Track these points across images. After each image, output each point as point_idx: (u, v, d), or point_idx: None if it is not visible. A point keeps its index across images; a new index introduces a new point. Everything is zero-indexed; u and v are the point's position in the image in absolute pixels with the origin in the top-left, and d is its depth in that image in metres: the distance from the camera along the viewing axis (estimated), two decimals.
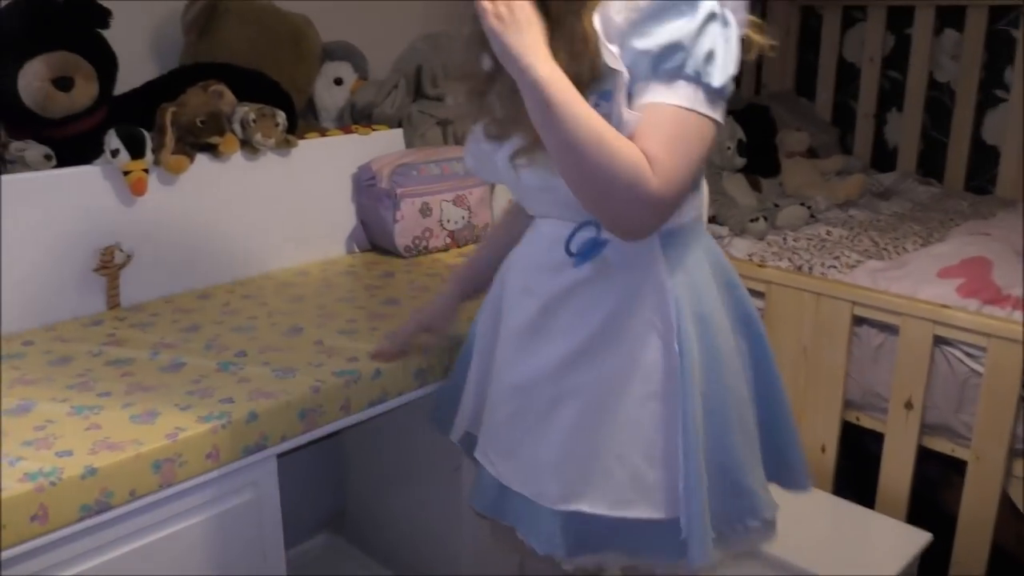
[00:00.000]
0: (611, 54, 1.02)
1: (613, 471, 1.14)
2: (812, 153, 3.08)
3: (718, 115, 1.03)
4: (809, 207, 2.56)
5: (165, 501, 1.19)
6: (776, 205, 2.58)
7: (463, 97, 1.20)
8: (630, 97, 1.02)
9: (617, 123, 1.01)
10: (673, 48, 0.99)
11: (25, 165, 1.53)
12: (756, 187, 2.75)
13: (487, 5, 1.01)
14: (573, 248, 1.12)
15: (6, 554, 1.04)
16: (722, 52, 1.02)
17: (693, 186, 1.12)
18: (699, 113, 1.01)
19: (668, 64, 0.99)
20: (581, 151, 0.98)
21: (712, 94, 1.01)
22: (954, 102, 3.03)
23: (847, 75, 3.31)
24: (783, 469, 1.29)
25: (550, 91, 0.98)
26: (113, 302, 1.64)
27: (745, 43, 1.08)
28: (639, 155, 0.98)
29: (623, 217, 1.03)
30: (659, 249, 1.12)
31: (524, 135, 1.09)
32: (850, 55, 3.30)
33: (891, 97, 3.22)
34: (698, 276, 1.16)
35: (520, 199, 1.26)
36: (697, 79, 1.00)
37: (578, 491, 1.17)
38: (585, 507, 1.16)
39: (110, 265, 1.61)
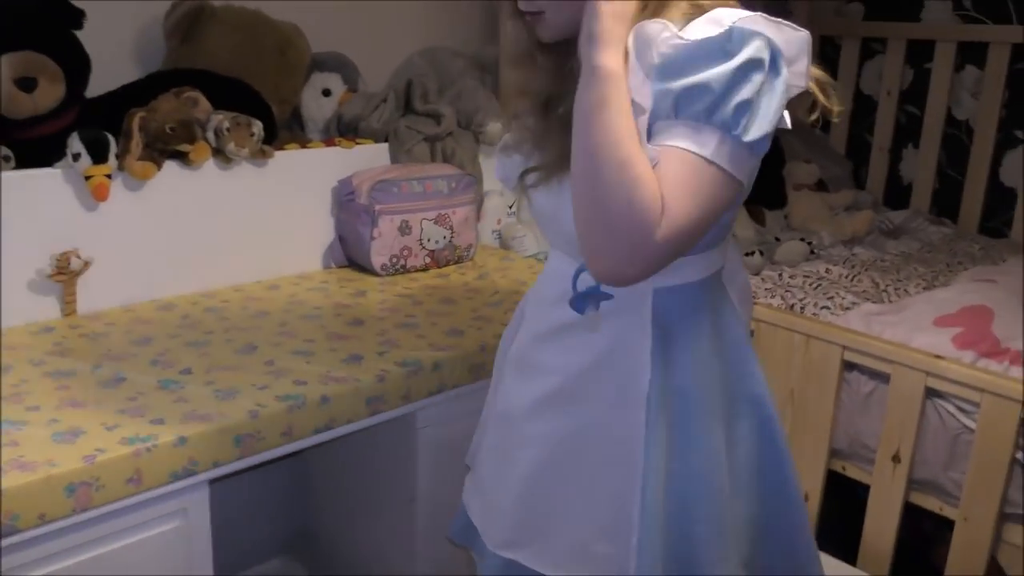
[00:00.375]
0: (637, 85, 0.92)
1: (560, 532, 1.09)
2: (822, 186, 2.99)
3: (743, 175, 0.92)
4: (810, 243, 2.48)
5: (80, 526, 1.13)
6: (777, 239, 2.50)
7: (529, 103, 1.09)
8: (650, 135, 0.92)
9: None
10: (700, 90, 0.88)
11: None
12: (759, 219, 2.67)
13: None
14: (580, 287, 1.02)
15: None
16: (763, 105, 0.90)
17: (703, 246, 1.02)
18: (720, 168, 0.89)
19: (693, 106, 0.89)
20: (605, 163, 0.88)
21: (740, 149, 0.90)
22: (972, 140, 2.93)
23: (863, 108, 3.22)
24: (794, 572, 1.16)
25: (614, 90, 0.89)
26: (69, 309, 1.60)
27: (804, 99, 0.97)
28: (658, 198, 0.88)
29: (610, 254, 0.91)
30: (648, 308, 1.02)
31: (546, 153, 1.03)
32: (867, 87, 3.22)
33: (907, 132, 3.12)
34: (688, 344, 1.04)
35: (536, 222, 1.19)
36: (725, 130, 0.89)
37: (522, 540, 1.13)
38: (522, 559, 1.12)
39: (66, 271, 1.56)
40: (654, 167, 0.89)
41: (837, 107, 0.99)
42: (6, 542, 1.06)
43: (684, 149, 0.89)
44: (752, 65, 0.89)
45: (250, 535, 1.87)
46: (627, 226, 0.88)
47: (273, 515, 1.92)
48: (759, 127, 0.89)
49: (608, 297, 0.99)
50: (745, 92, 0.88)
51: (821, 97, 0.98)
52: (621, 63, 0.91)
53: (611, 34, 0.91)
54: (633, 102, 0.91)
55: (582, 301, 1.00)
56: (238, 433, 1.25)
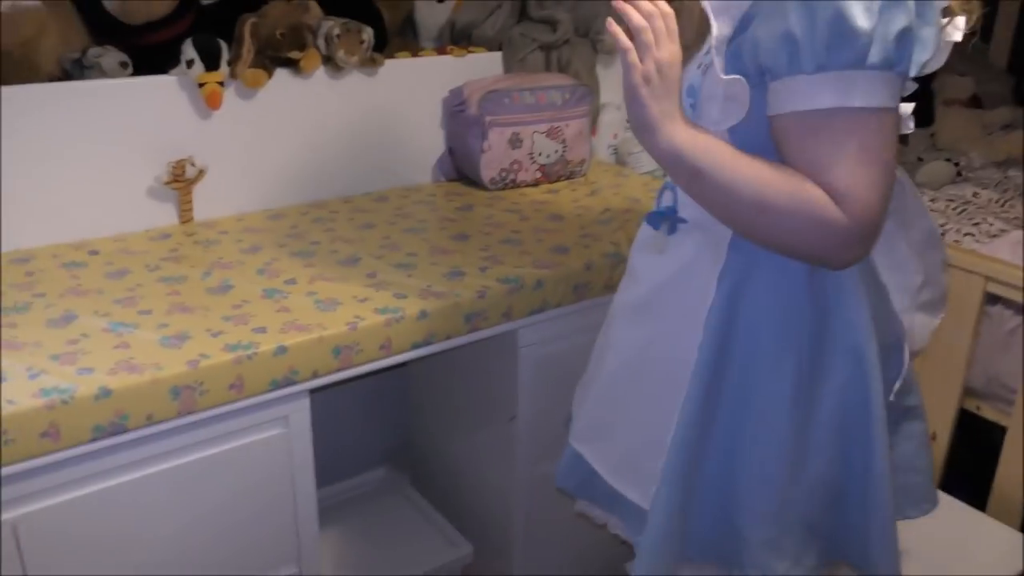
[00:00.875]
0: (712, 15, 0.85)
1: (619, 438, 1.10)
2: (976, 102, 2.73)
3: (897, 101, 0.82)
4: (957, 163, 2.27)
5: (185, 429, 1.17)
6: (920, 159, 2.30)
7: None
8: (771, 94, 0.84)
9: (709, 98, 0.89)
10: (846, 33, 0.77)
11: (101, 72, 1.52)
12: (901, 137, 2.46)
13: (635, 61, 0.87)
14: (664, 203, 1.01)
15: (5, 471, 1.04)
16: (923, 26, 0.79)
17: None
18: (881, 109, 0.80)
19: (842, 57, 0.77)
20: (748, 215, 0.87)
21: (898, 81, 0.80)
22: None
23: None
24: (856, 552, 1.04)
25: (697, 159, 0.86)
26: (186, 216, 1.63)
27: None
28: (814, 196, 0.81)
29: (820, 261, 0.90)
30: (727, 242, 0.96)
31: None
32: None
33: None
34: (771, 277, 0.95)
35: None
36: (888, 67, 0.78)
37: (590, 436, 1.16)
38: (588, 456, 1.15)
39: (181, 179, 1.59)
40: (803, 142, 0.82)
41: (977, 12, 0.88)
42: (115, 440, 1.11)
43: (840, 108, 0.79)
44: None
45: (355, 445, 1.92)
46: (812, 242, 0.85)
47: (378, 426, 1.95)
48: (921, 54, 0.80)
49: (683, 221, 0.96)
50: (899, 18, 0.77)
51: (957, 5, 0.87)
52: (681, 128, 0.87)
53: (656, 117, 0.87)
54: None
55: (658, 218, 0.97)
56: (337, 344, 1.25)
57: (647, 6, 0.87)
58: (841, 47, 0.77)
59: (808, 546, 1.01)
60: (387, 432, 1.96)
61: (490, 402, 1.60)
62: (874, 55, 0.77)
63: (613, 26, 0.87)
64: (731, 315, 0.96)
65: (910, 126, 0.96)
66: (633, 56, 0.86)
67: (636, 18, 0.86)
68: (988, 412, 1.82)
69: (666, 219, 0.99)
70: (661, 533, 0.99)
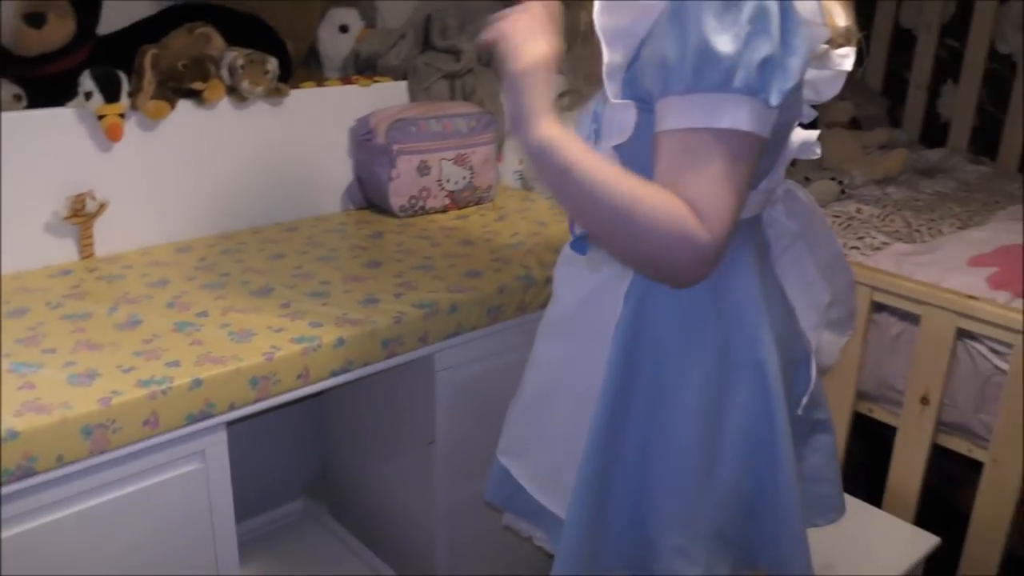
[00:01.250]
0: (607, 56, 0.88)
1: (543, 453, 1.13)
2: (855, 124, 2.90)
3: (767, 130, 0.85)
4: (841, 182, 2.41)
5: (98, 468, 1.14)
6: (807, 178, 2.43)
7: None
8: (655, 116, 0.86)
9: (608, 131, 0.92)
10: (711, 57, 0.80)
11: None
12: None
13: (518, 47, 0.88)
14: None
15: None
16: (788, 56, 0.81)
17: None
18: (747, 133, 0.82)
19: (708, 79, 0.80)
20: (612, 218, 0.85)
21: (765, 110, 0.83)
22: (1015, 75, 2.82)
23: (902, 42, 3.11)
24: (769, 557, 1.07)
25: (570, 154, 0.86)
26: (87, 252, 1.59)
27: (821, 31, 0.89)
28: (680, 209, 0.81)
29: (670, 276, 0.89)
30: None
31: (576, 77, 1.02)
32: (907, 21, 3.10)
33: (947, 68, 3.01)
34: (674, 296, 0.97)
35: None
36: (750, 93, 0.81)
37: (515, 450, 1.19)
38: (513, 469, 1.19)
39: (81, 213, 1.55)
40: (670, 158, 0.84)
41: (856, 35, 0.95)
42: (25, 484, 1.07)
43: (705, 128, 0.82)
44: (763, 13, 0.81)
45: (272, 477, 1.89)
46: (670, 254, 0.84)
47: (295, 457, 1.93)
48: (784, 81, 0.81)
49: None
50: (762, 46, 0.80)
51: (838, 33, 0.93)
52: (554, 122, 0.88)
53: (541, 106, 0.88)
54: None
55: (582, 243, 0.98)
56: (254, 375, 1.24)
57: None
58: (707, 70, 0.80)
59: (720, 554, 1.03)
60: (304, 462, 1.93)
61: (408, 427, 1.61)
62: (738, 80, 0.80)
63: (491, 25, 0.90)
64: (636, 331, 1.00)
65: (816, 152, 1.02)
66: (516, 41, 0.88)
67: (516, 8, 0.89)
68: (879, 414, 1.93)
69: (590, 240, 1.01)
70: (575, 540, 1.02)
